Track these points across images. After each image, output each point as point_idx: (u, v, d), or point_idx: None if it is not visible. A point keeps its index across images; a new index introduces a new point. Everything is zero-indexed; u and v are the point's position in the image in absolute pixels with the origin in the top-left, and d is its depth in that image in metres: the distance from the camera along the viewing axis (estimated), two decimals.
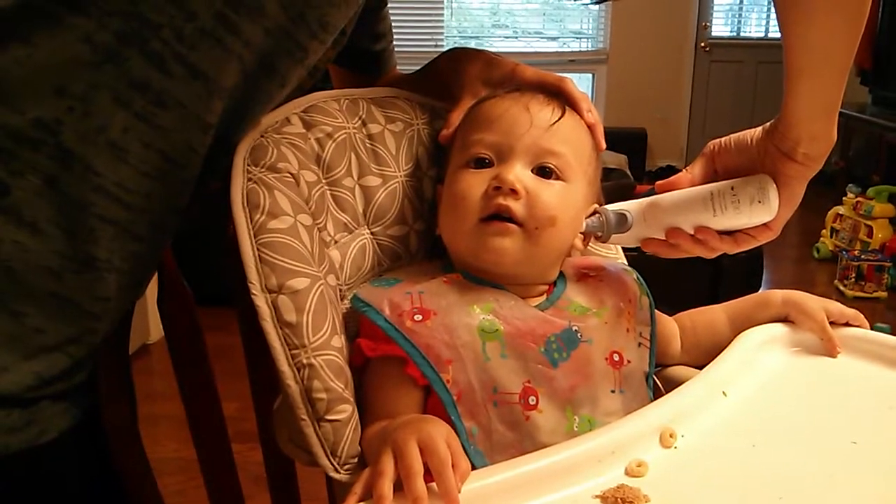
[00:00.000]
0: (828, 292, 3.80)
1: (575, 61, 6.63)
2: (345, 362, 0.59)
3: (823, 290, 3.88)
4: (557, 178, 0.67)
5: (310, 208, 0.64)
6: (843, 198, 4.23)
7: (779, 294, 0.76)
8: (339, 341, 0.59)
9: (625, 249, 0.88)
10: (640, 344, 0.70)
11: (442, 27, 6.36)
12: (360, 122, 0.72)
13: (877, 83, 5.24)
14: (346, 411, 0.58)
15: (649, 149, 6.39)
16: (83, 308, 0.56)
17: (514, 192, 0.64)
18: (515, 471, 0.52)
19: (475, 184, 0.66)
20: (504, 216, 0.64)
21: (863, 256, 3.79)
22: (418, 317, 0.62)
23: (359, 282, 0.70)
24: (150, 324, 3.04)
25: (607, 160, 5.76)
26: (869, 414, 0.64)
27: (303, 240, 0.60)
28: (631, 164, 5.88)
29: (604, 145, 0.75)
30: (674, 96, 6.48)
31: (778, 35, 0.63)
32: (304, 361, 0.56)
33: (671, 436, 0.57)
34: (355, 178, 0.71)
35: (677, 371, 0.74)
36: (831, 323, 0.73)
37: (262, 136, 0.64)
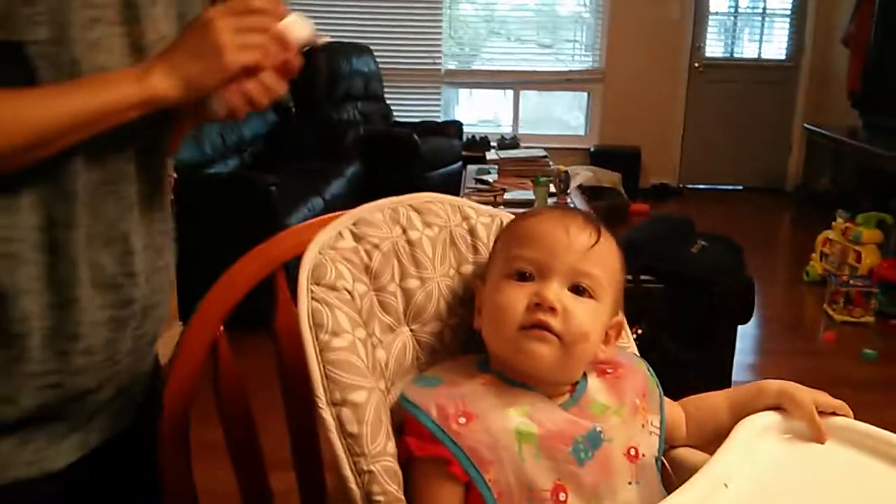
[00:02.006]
0: (817, 315, 3.91)
1: (571, 80, 6.74)
2: (397, 466, 0.68)
3: (812, 312, 3.99)
4: (590, 296, 0.76)
5: (363, 318, 0.73)
6: (833, 223, 4.32)
7: (774, 385, 0.85)
8: (392, 447, 0.69)
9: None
10: (651, 433, 0.79)
11: (440, 41, 6.47)
12: (401, 230, 0.82)
13: (867, 107, 5.34)
14: None
15: (643, 167, 6.49)
16: None
17: (552, 310, 0.73)
18: None
19: (518, 297, 0.75)
20: (543, 328, 0.74)
21: (851, 282, 3.89)
22: (462, 419, 0.71)
23: (400, 374, 0.79)
24: (160, 347, 3.12)
25: (601, 179, 5.86)
26: (847, 495, 0.73)
27: (360, 354, 0.69)
28: (625, 182, 5.98)
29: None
30: (668, 115, 6.59)
31: (771, 57, 0.73)
32: (365, 468, 0.65)
33: None
34: (397, 281, 0.80)
35: (683, 453, 0.83)
36: (820, 413, 0.82)
37: (320, 253, 0.73)
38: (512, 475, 0.70)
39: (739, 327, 2.87)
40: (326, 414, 0.65)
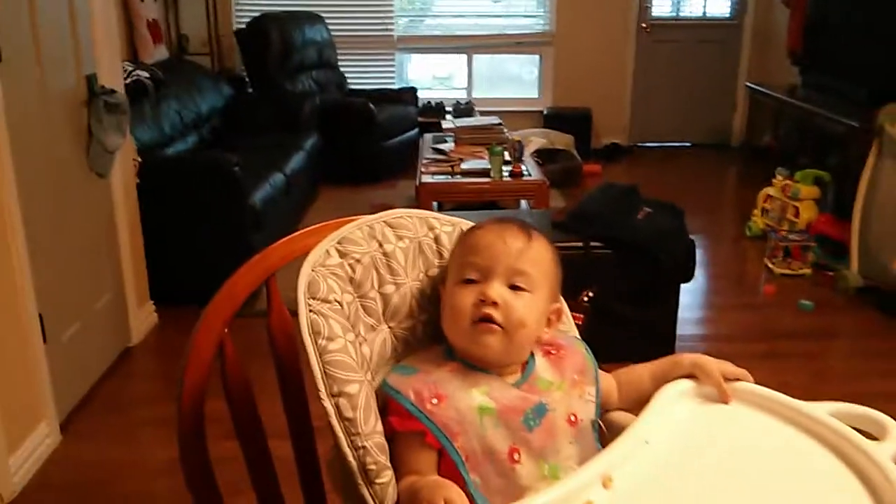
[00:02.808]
0: (758, 269, 4.15)
1: (522, 43, 6.85)
2: (384, 441, 0.85)
3: (754, 267, 4.23)
4: (526, 290, 0.93)
5: (350, 322, 0.89)
6: (773, 180, 4.54)
7: (688, 357, 1.03)
8: (379, 426, 0.86)
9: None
10: (588, 401, 0.97)
11: (392, 8, 6.51)
12: (377, 244, 0.98)
13: (806, 66, 5.55)
14: (388, 476, 0.84)
15: (595, 127, 6.67)
16: None
17: (494, 304, 0.90)
18: None
19: (467, 297, 0.93)
20: (488, 320, 0.90)
21: (790, 236, 4.12)
22: (434, 400, 0.89)
23: (381, 364, 0.95)
24: (132, 326, 3.24)
25: (555, 141, 6.02)
26: (750, 449, 0.92)
27: (351, 354, 0.86)
28: (577, 143, 6.15)
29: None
30: (617, 76, 6.76)
31: (716, 14, 0.91)
32: (360, 444, 0.82)
33: (609, 480, 0.84)
34: (377, 288, 0.97)
35: (616, 416, 1.01)
36: (726, 379, 1.00)
37: (313, 271, 0.89)
38: (476, 442, 0.88)
39: (686, 284, 3.08)
40: (327, 404, 0.82)
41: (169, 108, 4.29)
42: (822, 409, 0.94)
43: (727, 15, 6.77)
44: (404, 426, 0.88)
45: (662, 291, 2.94)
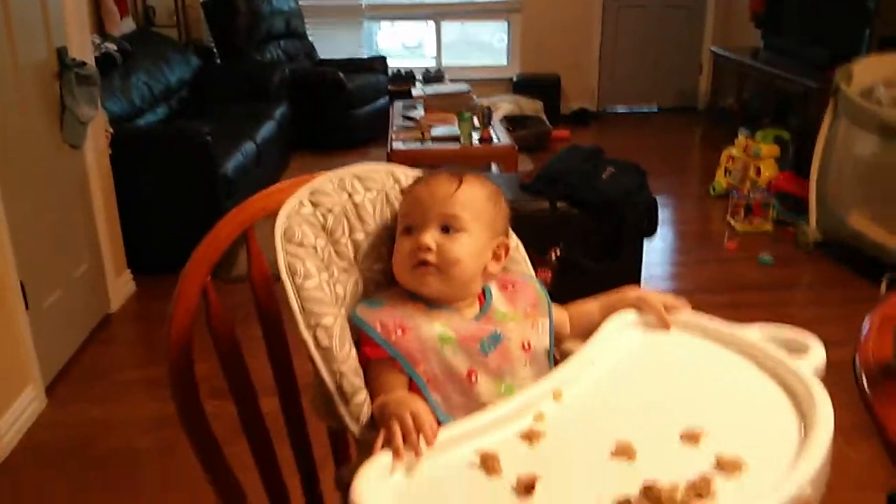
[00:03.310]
0: (721, 227, 4.29)
1: (491, 10, 6.89)
2: (359, 366, 0.95)
3: (718, 225, 4.37)
4: (458, 231, 1.02)
5: (325, 265, 0.98)
6: (735, 140, 4.67)
7: (633, 291, 1.13)
8: (353, 352, 0.95)
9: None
10: (541, 331, 1.08)
11: None
12: (347, 195, 1.07)
13: (769, 28, 5.65)
14: (363, 396, 0.94)
15: (563, 93, 6.75)
16: None
17: (428, 249, 1.00)
18: (466, 425, 0.88)
19: (406, 246, 1.03)
20: (424, 263, 1.01)
21: (751, 194, 4.25)
22: (399, 332, 0.98)
23: (354, 303, 1.04)
24: (111, 294, 3.30)
25: (524, 107, 6.09)
26: (687, 369, 1.03)
27: (326, 291, 0.95)
28: (546, 109, 6.23)
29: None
30: (585, 41, 6.83)
31: None
32: (336, 369, 0.91)
33: (559, 394, 0.95)
34: (348, 235, 1.05)
35: (569, 345, 1.12)
36: (666, 309, 1.10)
37: (287, 219, 0.97)
38: (437, 367, 0.98)
39: (653, 241, 3.20)
40: (306, 335, 0.91)
41: (138, 80, 4.31)
42: (754, 332, 1.05)
43: None
44: (375, 354, 0.98)
45: (627, 246, 3.06)
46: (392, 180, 1.12)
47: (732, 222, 4.21)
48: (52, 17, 2.81)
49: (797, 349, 1.02)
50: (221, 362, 1.08)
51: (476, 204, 1.05)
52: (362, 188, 1.08)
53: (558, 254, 3.03)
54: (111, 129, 3.41)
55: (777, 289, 3.62)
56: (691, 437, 0.87)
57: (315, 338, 0.91)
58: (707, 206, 4.72)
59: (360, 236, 1.07)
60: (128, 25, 4.86)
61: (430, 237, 1.01)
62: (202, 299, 1.05)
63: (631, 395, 0.97)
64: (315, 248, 0.99)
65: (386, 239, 1.09)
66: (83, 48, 3.09)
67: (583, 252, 3.08)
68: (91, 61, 3.13)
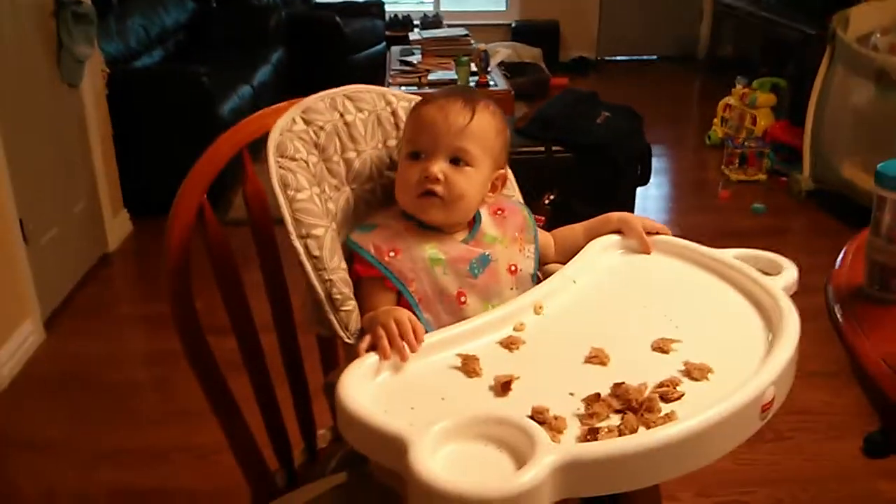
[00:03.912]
0: (716, 176, 4.31)
1: None
2: (348, 277, 0.98)
3: (713, 174, 4.38)
4: (466, 165, 1.04)
5: (317, 181, 1.01)
6: (732, 89, 4.66)
7: (616, 215, 1.17)
8: (343, 265, 0.99)
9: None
10: (527, 256, 1.11)
11: None
12: (339, 114, 1.09)
13: None
14: (351, 305, 0.98)
15: (563, 41, 6.70)
16: None
17: (436, 180, 1.02)
18: (449, 331, 0.93)
19: (413, 173, 1.04)
20: (431, 194, 1.03)
21: (746, 143, 4.26)
22: (392, 253, 1.02)
23: (344, 221, 1.08)
24: (108, 233, 3.34)
25: (522, 55, 6.06)
26: (664, 287, 1.07)
27: (317, 204, 0.98)
28: (545, 56, 6.19)
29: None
30: None
31: None
32: (326, 277, 0.95)
33: (540, 307, 0.99)
34: (339, 153, 1.08)
35: (552, 267, 1.15)
36: (648, 233, 1.14)
37: (280, 135, 1.00)
38: (428, 286, 1.02)
39: (648, 189, 3.20)
40: (297, 244, 0.94)
41: (134, 22, 4.28)
42: (729, 254, 1.09)
43: None
44: (367, 273, 1.02)
45: (620, 191, 3.08)
46: (384, 102, 1.14)
47: (727, 171, 4.23)
48: None
49: (771, 270, 1.07)
50: (217, 277, 1.11)
51: (486, 137, 1.05)
52: (353, 108, 1.11)
53: (552, 199, 3.06)
54: (107, 69, 3.40)
55: (768, 236, 3.65)
56: (662, 347, 0.91)
57: (306, 247, 0.95)
58: (702, 156, 4.74)
59: (351, 155, 1.09)
60: None
61: (439, 168, 1.02)
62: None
63: (608, 309, 1.02)
64: (307, 162, 1.02)
65: (377, 160, 1.12)
66: None
67: (577, 198, 3.10)
68: (87, 0, 3.12)
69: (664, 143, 4.74)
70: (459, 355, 0.89)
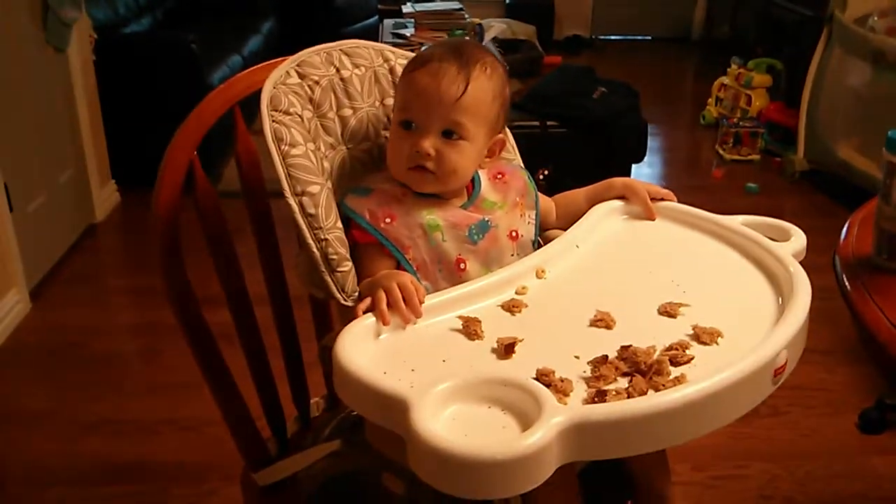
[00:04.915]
0: (709, 155, 4.28)
1: None
2: (344, 237, 0.95)
3: (707, 153, 4.36)
4: (460, 138, 0.99)
5: (312, 138, 0.97)
6: (728, 69, 4.63)
7: (619, 180, 1.13)
8: (339, 224, 0.95)
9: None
10: (528, 222, 1.08)
11: None
12: (335, 69, 1.05)
13: None
14: (348, 266, 0.94)
15: (557, 18, 6.63)
16: None
17: (427, 156, 0.97)
18: (450, 294, 0.90)
19: (404, 145, 0.99)
20: (422, 167, 0.98)
21: (740, 123, 4.24)
22: (388, 220, 0.98)
23: (340, 181, 1.04)
24: (96, 204, 3.28)
25: (517, 31, 5.97)
26: (669, 253, 1.04)
27: (312, 161, 0.94)
28: (539, 34, 6.12)
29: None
30: None
31: None
32: (322, 237, 0.91)
33: (542, 271, 0.96)
34: (335, 110, 1.04)
35: (553, 232, 1.12)
36: (652, 199, 1.11)
37: (274, 88, 0.96)
38: (425, 253, 0.98)
39: (641, 167, 3.18)
40: (292, 202, 0.90)
41: None
42: (736, 220, 1.06)
43: None
44: (364, 239, 0.98)
45: (615, 168, 3.05)
46: (381, 59, 1.10)
47: (721, 151, 4.21)
48: None
49: (779, 237, 1.04)
50: (208, 241, 1.07)
51: (481, 108, 0.99)
52: (350, 64, 1.06)
53: (546, 174, 3.03)
54: (95, 35, 3.33)
55: (761, 215, 3.63)
56: (670, 311, 0.88)
57: (301, 204, 0.91)
58: (696, 135, 4.71)
59: (347, 112, 1.05)
60: None
61: (431, 143, 0.97)
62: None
63: (612, 273, 0.99)
64: (301, 117, 0.97)
65: (374, 119, 1.08)
66: None
67: (571, 174, 3.07)
68: None
69: (658, 122, 4.71)
70: (460, 317, 0.86)
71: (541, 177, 3.02)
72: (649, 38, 6.97)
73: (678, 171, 4.28)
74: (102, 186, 3.36)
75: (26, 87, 2.72)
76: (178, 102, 3.68)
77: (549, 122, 3.05)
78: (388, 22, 4.96)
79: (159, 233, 1.02)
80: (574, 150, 3.06)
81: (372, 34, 5.33)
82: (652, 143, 3.90)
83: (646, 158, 3.43)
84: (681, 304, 0.88)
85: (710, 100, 4.73)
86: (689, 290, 0.93)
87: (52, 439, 2.04)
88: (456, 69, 0.98)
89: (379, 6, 6.00)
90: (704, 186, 3.94)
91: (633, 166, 3.25)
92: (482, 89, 0.99)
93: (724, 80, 4.60)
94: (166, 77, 3.53)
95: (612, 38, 6.97)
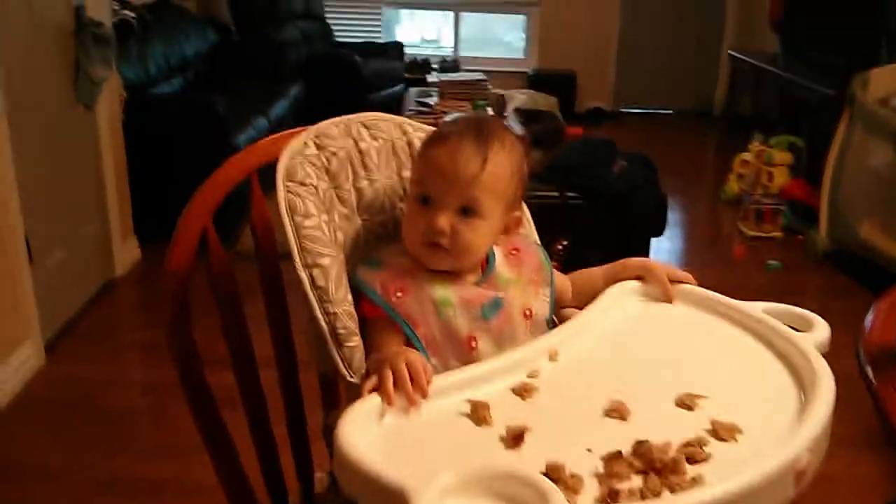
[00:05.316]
0: (730, 231, 4.26)
1: (508, 2, 6.86)
2: (354, 311, 0.93)
3: (728, 229, 4.34)
4: (476, 216, 0.98)
5: (326, 209, 0.96)
6: (749, 145, 4.64)
7: (637, 260, 1.11)
8: (349, 297, 0.93)
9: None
10: (543, 299, 1.06)
11: None
12: (353, 141, 1.05)
13: (787, 34, 5.60)
14: (356, 341, 0.92)
15: (579, 90, 6.72)
16: None
17: (442, 233, 0.96)
18: (459, 375, 0.87)
19: (420, 218, 0.98)
20: (437, 244, 0.97)
21: (762, 200, 4.23)
22: (399, 294, 0.96)
23: (354, 253, 1.03)
24: (116, 259, 3.30)
25: (539, 102, 6.04)
26: (687, 339, 1.01)
27: (325, 232, 0.93)
28: (561, 106, 6.19)
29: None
30: (602, 40, 6.79)
31: None
32: (331, 310, 0.90)
33: (556, 354, 0.93)
34: (351, 181, 1.04)
35: (569, 312, 1.10)
36: (671, 281, 1.08)
37: (291, 158, 0.96)
38: (436, 330, 0.96)
39: (661, 241, 3.15)
40: (302, 274, 0.89)
41: (154, 49, 4.29)
42: (757, 308, 1.03)
43: None
44: (374, 314, 0.96)
45: (634, 242, 3.04)
46: (400, 132, 1.10)
47: (742, 227, 4.19)
48: None
49: (801, 326, 1.01)
50: (218, 305, 1.06)
51: (499, 185, 0.98)
52: (368, 136, 1.06)
53: (564, 246, 3.01)
54: (125, 94, 3.40)
55: (783, 295, 3.50)
56: (687, 402, 0.85)
57: (311, 277, 0.90)
58: (717, 211, 4.70)
59: (363, 184, 1.05)
60: None
61: (446, 220, 0.96)
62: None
63: (628, 359, 0.96)
64: (317, 188, 0.97)
65: (391, 191, 1.07)
66: (100, 9, 3.09)
67: (590, 248, 3.05)
68: (108, 22, 3.13)
69: (678, 195, 4.70)
70: (469, 401, 0.83)
71: (559, 248, 3.00)
72: (671, 111, 7.03)
73: (699, 245, 4.25)
74: (124, 241, 3.38)
75: (54, 141, 2.77)
76: (203, 162, 3.74)
77: (569, 194, 3.04)
78: (413, 90, 5.05)
79: (169, 295, 1.01)
80: (594, 222, 3.05)
81: (397, 101, 5.42)
82: (672, 216, 3.88)
83: (666, 232, 3.41)
84: (698, 396, 0.85)
85: (731, 175, 4.73)
86: (708, 380, 0.90)
87: (62, 496, 2.02)
88: (474, 146, 0.97)
89: (405, 75, 6.12)
90: (725, 262, 3.91)
91: (653, 240, 3.23)
92: (501, 165, 0.98)
93: (746, 156, 4.60)
94: (192, 137, 3.59)
95: (634, 110, 7.03)
